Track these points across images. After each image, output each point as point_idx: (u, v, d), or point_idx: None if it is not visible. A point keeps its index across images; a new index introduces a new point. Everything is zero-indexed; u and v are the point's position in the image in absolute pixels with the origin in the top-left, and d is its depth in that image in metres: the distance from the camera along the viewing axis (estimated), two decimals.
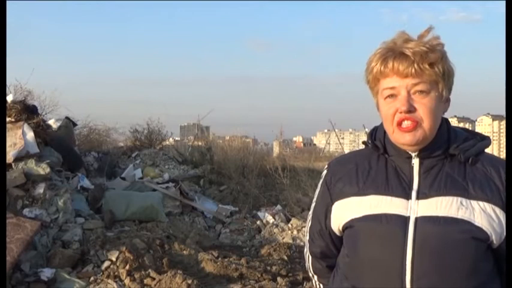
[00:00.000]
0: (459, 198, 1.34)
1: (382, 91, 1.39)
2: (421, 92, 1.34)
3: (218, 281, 5.11)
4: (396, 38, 1.38)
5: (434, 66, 1.34)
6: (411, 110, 1.34)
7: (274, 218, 8.09)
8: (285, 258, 6.09)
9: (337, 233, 1.51)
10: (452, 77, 1.40)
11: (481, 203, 1.33)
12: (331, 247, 1.56)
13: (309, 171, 12.12)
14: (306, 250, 1.66)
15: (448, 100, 1.42)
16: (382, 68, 1.36)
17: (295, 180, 10.97)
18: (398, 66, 1.33)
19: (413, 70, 1.32)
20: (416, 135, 1.35)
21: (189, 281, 4.75)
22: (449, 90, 1.41)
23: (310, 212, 1.62)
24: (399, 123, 1.36)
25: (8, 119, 6.43)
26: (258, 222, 7.96)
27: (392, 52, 1.35)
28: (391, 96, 1.37)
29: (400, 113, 1.34)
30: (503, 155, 1.51)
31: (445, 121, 1.44)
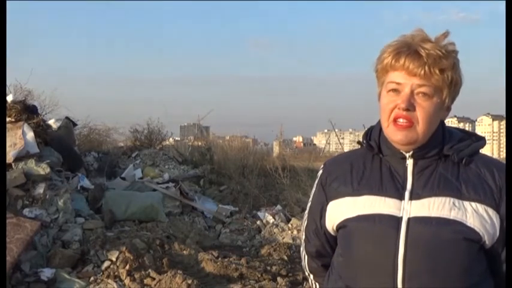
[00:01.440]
0: (452, 199, 1.34)
1: (387, 84, 1.38)
2: (424, 94, 1.34)
3: (218, 281, 5.12)
4: (415, 34, 1.37)
5: (444, 73, 1.33)
6: (410, 109, 1.33)
7: (274, 218, 8.10)
8: (285, 258, 6.09)
9: (332, 232, 1.52)
10: (458, 87, 1.40)
11: (473, 203, 1.33)
12: (326, 246, 1.56)
13: (309, 171, 12.12)
14: (302, 249, 1.67)
15: (448, 109, 1.42)
16: (393, 62, 1.36)
17: (295, 180, 10.98)
18: (409, 64, 1.33)
19: (422, 71, 1.32)
20: (409, 135, 1.35)
21: (189, 281, 4.76)
22: (453, 99, 1.41)
23: (306, 211, 1.62)
24: (395, 120, 1.36)
25: (8, 119, 6.43)
26: (258, 222, 7.97)
27: (408, 48, 1.34)
28: (395, 91, 1.36)
29: (399, 109, 1.35)
30: (503, 155, 1.52)
31: (440, 122, 1.44)
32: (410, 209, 1.35)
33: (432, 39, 1.36)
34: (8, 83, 7.28)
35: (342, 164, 1.52)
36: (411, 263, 1.31)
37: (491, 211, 1.33)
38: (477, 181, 1.36)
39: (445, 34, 1.37)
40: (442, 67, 1.33)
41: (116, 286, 4.90)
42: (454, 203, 1.33)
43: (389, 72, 1.38)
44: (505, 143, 1.54)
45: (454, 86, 1.37)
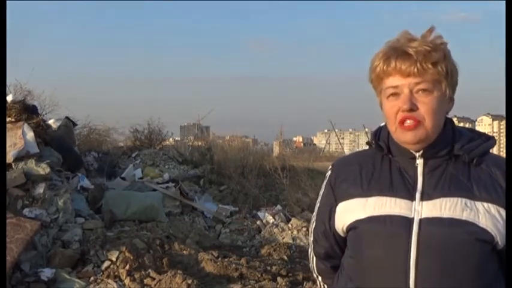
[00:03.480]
0: (463, 199, 1.33)
1: (385, 90, 1.38)
2: (423, 90, 1.33)
3: (218, 281, 5.12)
4: (400, 37, 1.37)
5: (437, 66, 1.33)
6: (413, 108, 1.33)
7: (274, 218, 8.09)
8: (285, 258, 6.09)
9: (341, 234, 1.50)
10: (455, 76, 1.39)
11: (485, 204, 1.32)
12: (336, 248, 1.55)
13: (309, 171, 12.14)
14: (310, 251, 1.65)
15: (451, 100, 1.41)
16: (385, 67, 1.36)
17: (295, 180, 10.99)
18: (400, 66, 1.33)
19: (415, 69, 1.32)
20: (418, 134, 1.34)
21: (189, 281, 4.76)
22: (453, 89, 1.40)
23: (314, 213, 1.61)
24: (401, 122, 1.35)
25: (8, 119, 6.43)
26: (258, 222, 7.96)
27: (395, 51, 1.35)
28: (394, 94, 1.36)
29: (402, 111, 1.34)
30: (503, 155, 1.50)
31: (450, 121, 1.43)
32: (421, 209, 1.34)
33: (418, 37, 1.36)
34: (8, 82, 7.28)
35: (350, 165, 1.51)
36: (423, 264, 1.30)
37: (503, 211, 1.32)
38: (488, 181, 1.35)
39: (431, 30, 1.37)
40: (433, 60, 1.32)
41: (115, 286, 4.90)
42: (466, 204, 1.32)
43: (384, 78, 1.38)
44: (505, 143, 1.54)
45: (451, 76, 1.36)
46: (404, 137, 1.36)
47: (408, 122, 1.34)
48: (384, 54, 1.37)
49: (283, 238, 7.19)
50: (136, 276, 5.03)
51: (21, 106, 6.82)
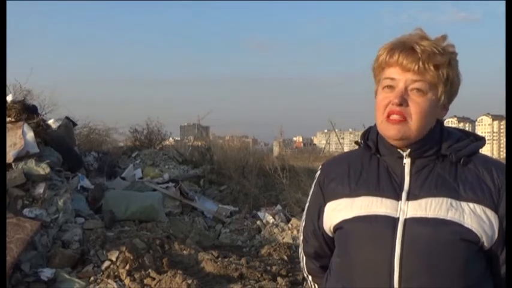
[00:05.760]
0: (449, 200, 1.33)
1: (383, 80, 1.39)
2: (418, 90, 1.34)
3: (218, 281, 5.12)
4: (413, 33, 1.38)
5: (439, 69, 1.34)
6: (403, 104, 1.34)
7: (274, 218, 8.09)
8: (285, 258, 6.09)
9: (329, 233, 1.51)
10: (455, 87, 1.40)
11: (471, 204, 1.32)
12: (325, 247, 1.56)
13: (309, 171, 12.11)
14: (300, 250, 1.66)
15: (445, 108, 1.42)
16: (387, 58, 1.37)
17: (294, 180, 10.97)
18: (403, 60, 1.34)
19: (416, 67, 1.33)
20: (401, 130, 1.34)
21: (189, 281, 4.76)
22: (450, 98, 1.41)
23: (304, 212, 1.62)
24: (388, 115, 1.36)
25: (8, 119, 6.43)
26: (258, 222, 7.96)
27: (403, 45, 1.35)
28: (389, 87, 1.37)
29: (392, 104, 1.35)
30: (503, 155, 1.52)
31: (439, 122, 1.43)
32: (407, 209, 1.34)
33: (431, 38, 1.36)
34: (7, 82, 7.27)
35: (339, 164, 1.52)
36: (407, 264, 1.31)
37: (489, 212, 1.32)
38: (475, 181, 1.35)
39: (444, 36, 1.38)
40: (436, 63, 1.33)
41: (115, 286, 4.90)
42: (451, 204, 1.32)
43: (385, 69, 1.39)
44: (505, 143, 1.54)
45: (450, 84, 1.37)
46: (387, 130, 1.37)
47: (394, 117, 1.35)
48: (391, 45, 1.38)
49: (283, 238, 7.20)
50: (136, 276, 5.03)
51: (21, 106, 6.81)
